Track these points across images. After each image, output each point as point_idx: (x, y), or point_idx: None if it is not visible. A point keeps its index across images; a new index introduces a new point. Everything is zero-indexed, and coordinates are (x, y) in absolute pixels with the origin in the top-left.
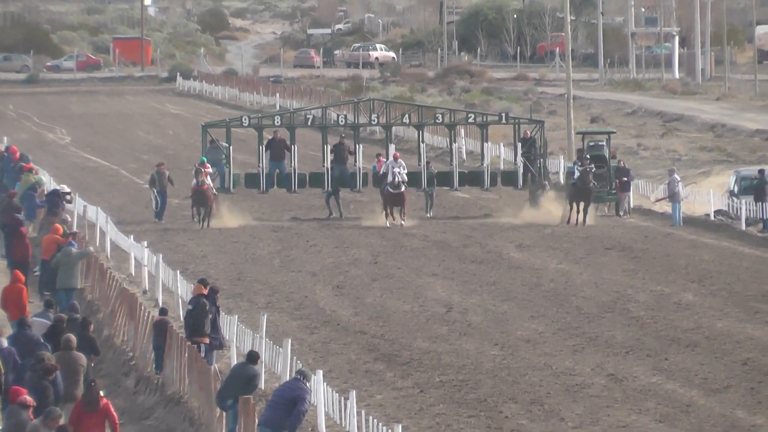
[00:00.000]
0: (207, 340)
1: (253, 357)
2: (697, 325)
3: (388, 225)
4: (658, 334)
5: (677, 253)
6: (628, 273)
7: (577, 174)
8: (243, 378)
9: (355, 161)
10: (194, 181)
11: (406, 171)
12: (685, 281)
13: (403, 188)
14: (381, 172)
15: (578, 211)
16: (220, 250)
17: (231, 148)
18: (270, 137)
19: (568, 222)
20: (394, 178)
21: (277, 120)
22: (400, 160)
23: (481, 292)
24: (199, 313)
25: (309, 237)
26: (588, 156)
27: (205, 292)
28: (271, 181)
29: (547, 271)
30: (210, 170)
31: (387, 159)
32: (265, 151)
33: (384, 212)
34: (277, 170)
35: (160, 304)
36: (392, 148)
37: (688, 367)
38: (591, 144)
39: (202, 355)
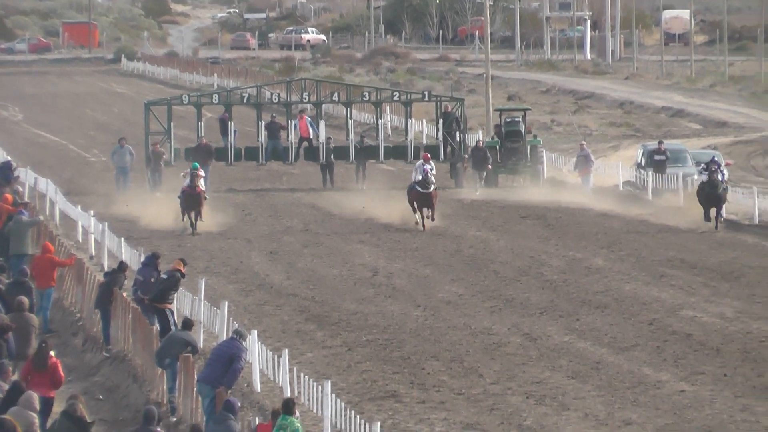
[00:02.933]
0: (170, 306)
1: (187, 324)
2: (606, 288)
3: (417, 222)
4: (570, 297)
5: (588, 222)
6: (542, 240)
7: (706, 178)
8: (178, 342)
9: (288, 136)
10: (187, 182)
11: (434, 171)
12: (595, 247)
13: (432, 188)
14: (415, 176)
15: (715, 216)
16: (162, 219)
17: (172, 124)
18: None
19: None
20: (426, 176)
21: (215, 98)
22: (431, 161)
23: (404, 258)
24: (170, 284)
25: (245, 207)
26: (505, 131)
27: (183, 269)
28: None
29: (467, 239)
30: (203, 174)
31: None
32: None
33: (413, 209)
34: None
35: (106, 268)
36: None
37: (598, 327)
38: (508, 120)
39: (172, 320)
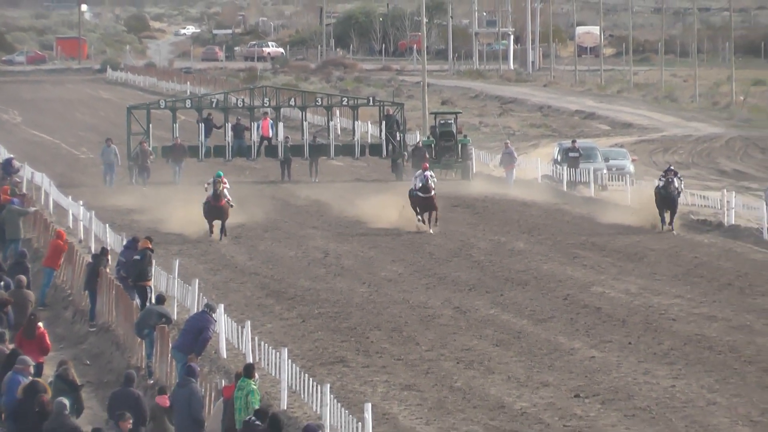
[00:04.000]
0: (150, 284)
1: (160, 299)
2: (527, 268)
3: (419, 225)
4: (495, 275)
5: (511, 210)
6: (471, 225)
7: (661, 183)
8: (154, 315)
9: (251, 136)
10: (211, 192)
11: (435, 179)
12: (517, 232)
13: (432, 192)
14: (414, 186)
15: (670, 218)
16: (142, 209)
17: (150, 125)
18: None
19: None
20: (426, 183)
21: (188, 103)
22: (428, 169)
23: (352, 241)
24: (145, 262)
25: (237, 200)
26: (439, 131)
27: (150, 245)
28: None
29: (408, 225)
30: (227, 185)
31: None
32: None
33: (415, 212)
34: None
35: (93, 251)
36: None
37: (519, 301)
38: (441, 122)
39: (150, 296)
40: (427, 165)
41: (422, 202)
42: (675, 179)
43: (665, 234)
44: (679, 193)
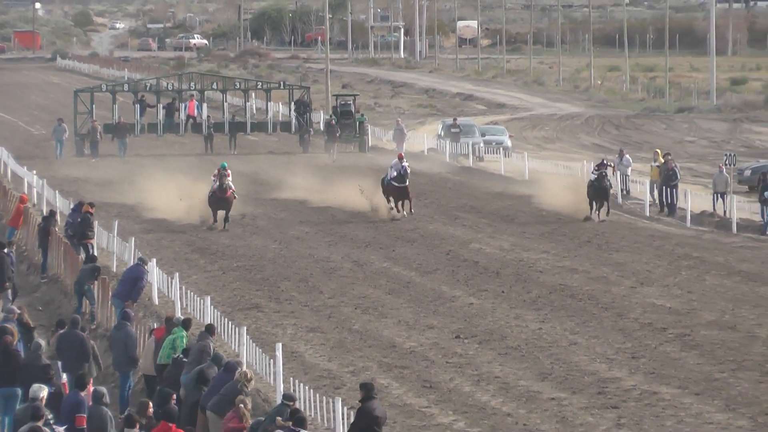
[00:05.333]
0: (92, 241)
1: (92, 258)
2: (415, 227)
3: (392, 213)
4: (388, 234)
5: None
6: (368, 191)
7: (594, 176)
8: (87, 273)
9: (179, 115)
10: (216, 184)
11: (410, 170)
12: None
13: (407, 182)
14: (388, 175)
15: (599, 209)
16: (89, 178)
17: (94, 106)
18: (140, 98)
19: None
20: (399, 173)
21: (126, 87)
22: (404, 159)
23: (265, 204)
24: (86, 224)
25: (147, 167)
26: (340, 111)
27: (91, 210)
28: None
29: (313, 192)
30: (229, 175)
31: (196, 101)
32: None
33: (387, 202)
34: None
35: (44, 213)
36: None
37: (408, 256)
38: (342, 103)
39: (91, 251)
40: (403, 155)
41: (396, 191)
42: (608, 172)
43: (533, 199)
44: (610, 185)
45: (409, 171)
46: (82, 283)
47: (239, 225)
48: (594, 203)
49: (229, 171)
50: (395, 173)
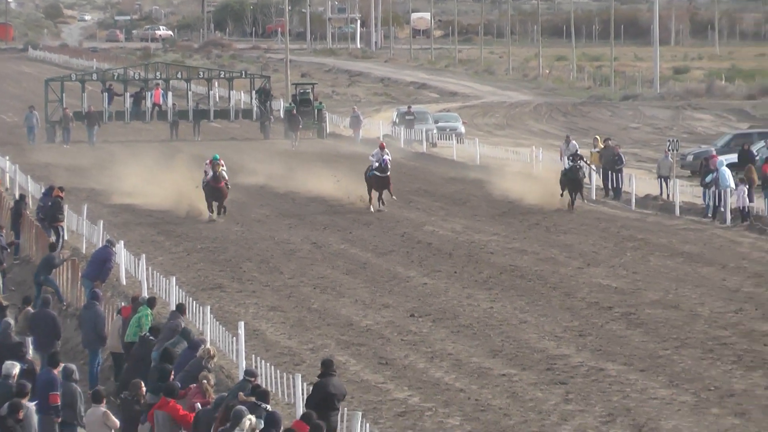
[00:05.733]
0: (62, 224)
1: (52, 247)
2: (370, 211)
3: (372, 210)
4: (345, 216)
5: (358, 163)
6: (327, 177)
7: (567, 166)
8: (42, 264)
9: (146, 103)
10: (210, 174)
11: (390, 158)
12: (362, 181)
13: (389, 172)
14: (372, 165)
15: (572, 198)
16: (59, 164)
17: (64, 95)
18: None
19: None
20: (380, 164)
21: (94, 76)
22: (386, 149)
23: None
24: (56, 207)
25: (115, 153)
26: (299, 99)
27: (62, 194)
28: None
29: (274, 176)
30: (224, 167)
31: (162, 89)
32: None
33: (369, 197)
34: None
35: (17, 197)
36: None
37: (365, 238)
38: (301, 91)
39: (62, 233)
40: (384, 144)
41: (378, 180)
42: (582, 163)
43: (484, 183)
44: (583, 175)
45: (390, 162)
46: (38, 274)
47: (203, 206)
48: (568, 192)
49: (222, 162)
50: (377, 164)
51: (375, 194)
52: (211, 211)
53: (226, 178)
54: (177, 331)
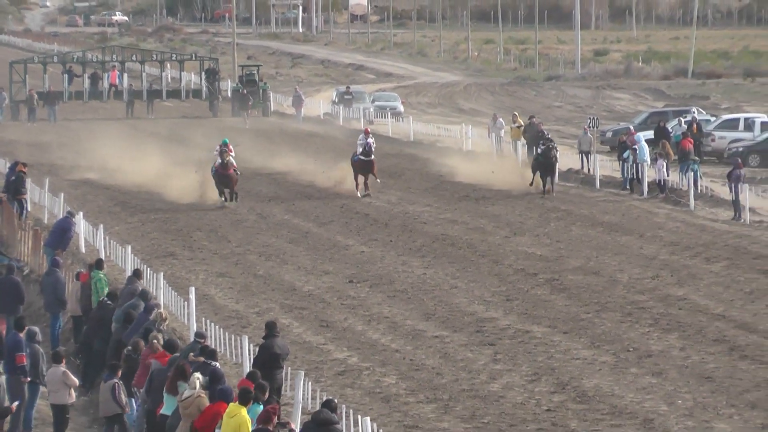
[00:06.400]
0: (25, 197)
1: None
2: (311, 183)
3: (359, 195)
4: (288, 189)
5: (300, 139)
6: (270, 152)
7: (540, 150)
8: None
9: (103, 83)
10: (218, 161)
11: (374, 141)
12: (304, 156)
13: (372, 156)
14: (357, 152)
15: (543, 183)
16: (23, 140)
17: (27, 76)
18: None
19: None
20: (364, 148)
21: (55, 59)
22: (370, 134)
23: (179, 164)
24: (19, 181)
25: (79, 130)
26: (245, 80)
27: (25, 169)
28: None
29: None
30: (233, 152)
31: (117, 71)
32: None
33: (355, 182)
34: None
35: None
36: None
37: (306, 209)
38: (247, 72)
39: (25, 205)
40: (369, 130)
41: (363, 164)
42: (554, 148)
43: (417, 157)
44: (556, 159)
45: (374, 146)
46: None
47: (156, 179)
48: (541, 176)
49: (230, 147)
50: (361, 149)
51: (361, 179)
52: (223, 198)
53: (235, 164)
54: (135, 294)
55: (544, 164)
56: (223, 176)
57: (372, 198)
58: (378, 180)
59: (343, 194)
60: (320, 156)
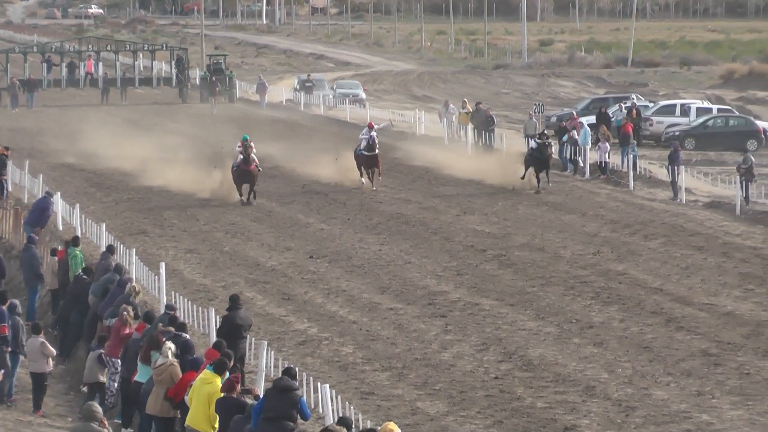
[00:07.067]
0: (5, 178)
1: None
2: (275, 165)
3: (363, 182)
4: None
5: (263, 124)
6: (234, 135)
7: (535, 145)
8: None
9: (80, 72)
10: (240, 157)
11: (377, 135)
12: (268, 140)
13: (377, 150)
14: (360, 146)
15: (537, 178)
16: (4, 125)
17: (9, 65)
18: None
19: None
20: (368, 142)
21: (35, 48)
22: (375, 129)
23: (151, 147)
24: (1, 164)
25: (57, 116)
26: (212, 68)
27: (7, 153)
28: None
29: (191, 135)
30: (253, 147)
31: (93, 60)
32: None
33: (359, 172)
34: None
35: None
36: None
37: (270, 189)
38: (214, 62)
39: (6, 186)
40: (373, 124)
41: (366, 159)
42: (549, 145)
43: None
44: (551, 155)
45: (377, 140)
46: None
47: (129, 162)
48: (534, 171)
49: (252, 143)
50: (365, 143)
51: (365, 171)
52: (242, 195)
53: (257, 160)
54: (109, 269)
55: (539, 160)
56: (246, 172)
57: (330, 179)
58: (380, 177)
59: (303, 175)
60: (282, 140)
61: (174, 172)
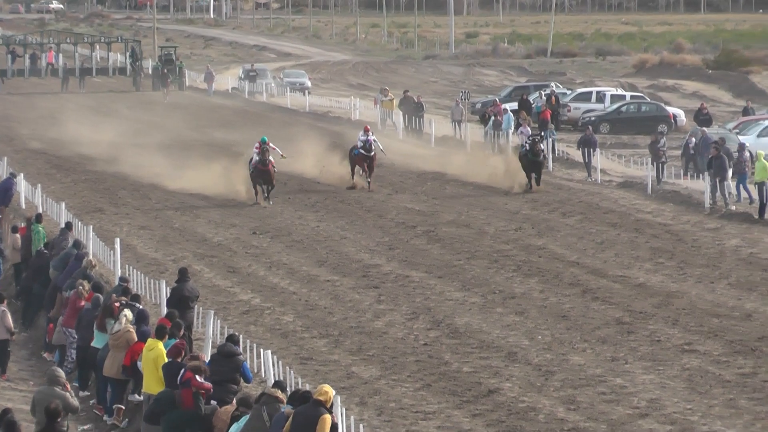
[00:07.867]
0: None
1: None
2: (223, 147)
3: (354, 186)
4: (201, 154)
5: (212, 111)
6: (185, 122)
7: (528, 146)
8: None
9: (41, 62)
10: (256, 157)
11: (375, 138)
12: (216, 126)
13: (373, 152)
14: (357, 148)
15: (529, 179)
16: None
17: None
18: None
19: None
20: (365, 144)
21: (0, 41)
22: (370, 131)
23: (107, 132)
24: None
25: (20, 103)
26: (164, 59)
27: None
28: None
29: (153, 123)
30: (276, 149)
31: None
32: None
33: (351, 172)
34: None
35: None
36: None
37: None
38: (166, 53)
39: None
40: (368, 127)
41: (363, 159)
42: (539, 142)
43: (312, 126)
44: (544, 157)
45: (374, 143)
46: None
47: (105, 151)
48: (529, 174)
49: (271, 144)
50: (362, 144)
51: (360, 170)
52: (257, 194)
53: (273, 160)
54: (67, 243)
55: (532, 162)
56: (263, 172)
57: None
58: (369, 180)
59: (245, 157)
60: (229, 126)
61: (130, 155)
